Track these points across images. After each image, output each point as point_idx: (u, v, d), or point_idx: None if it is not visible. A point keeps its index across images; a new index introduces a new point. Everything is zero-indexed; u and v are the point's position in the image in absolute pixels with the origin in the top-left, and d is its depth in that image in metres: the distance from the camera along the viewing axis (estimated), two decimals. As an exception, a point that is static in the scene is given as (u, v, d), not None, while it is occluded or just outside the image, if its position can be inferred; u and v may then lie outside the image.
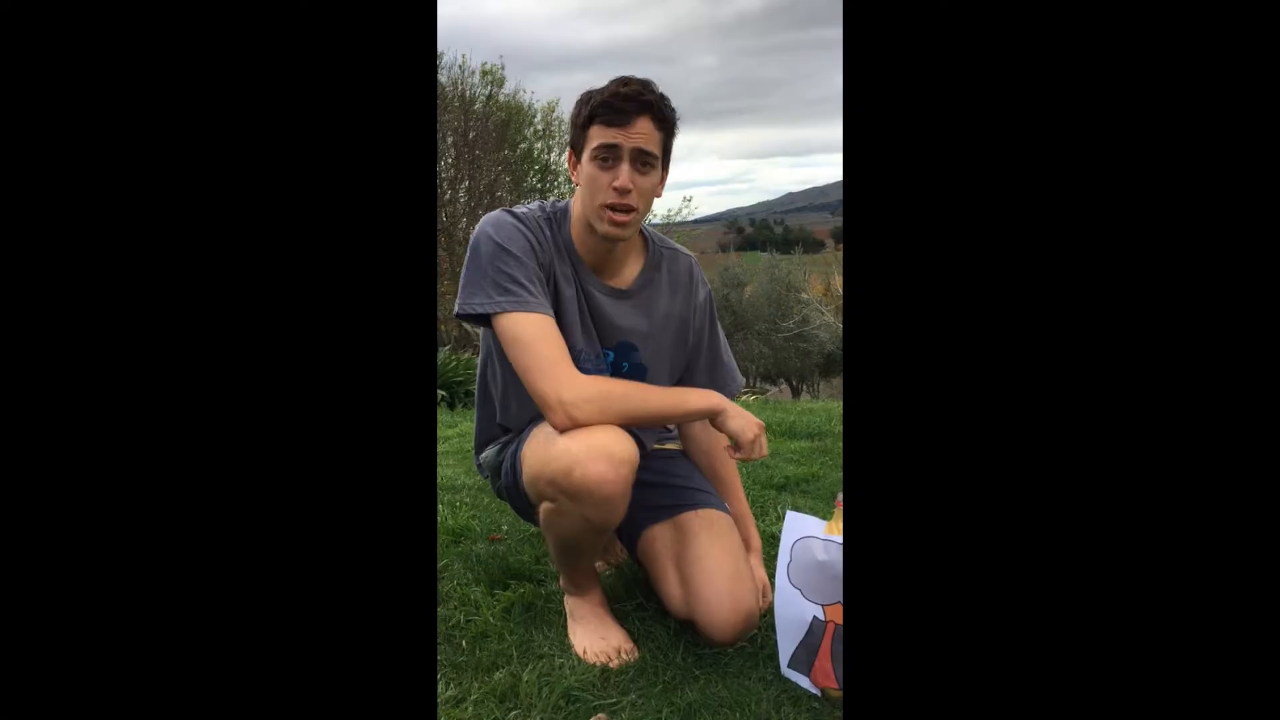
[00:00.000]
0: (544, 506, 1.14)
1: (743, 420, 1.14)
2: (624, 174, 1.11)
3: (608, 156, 1.12)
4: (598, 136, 1.12)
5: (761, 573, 1.32)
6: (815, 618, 1.09)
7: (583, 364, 1.20)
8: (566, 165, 1.22)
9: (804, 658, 1.10)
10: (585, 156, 1.14)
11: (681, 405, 1.17)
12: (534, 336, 1.10)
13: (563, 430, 1.08)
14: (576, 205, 1.20)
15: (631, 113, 1.10)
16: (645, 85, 1.13)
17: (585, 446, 1.05)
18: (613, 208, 1.12)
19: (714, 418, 1.16)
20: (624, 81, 1.12)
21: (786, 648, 1.12)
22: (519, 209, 1.20)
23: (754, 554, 1.34)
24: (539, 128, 11.85)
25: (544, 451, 1.10)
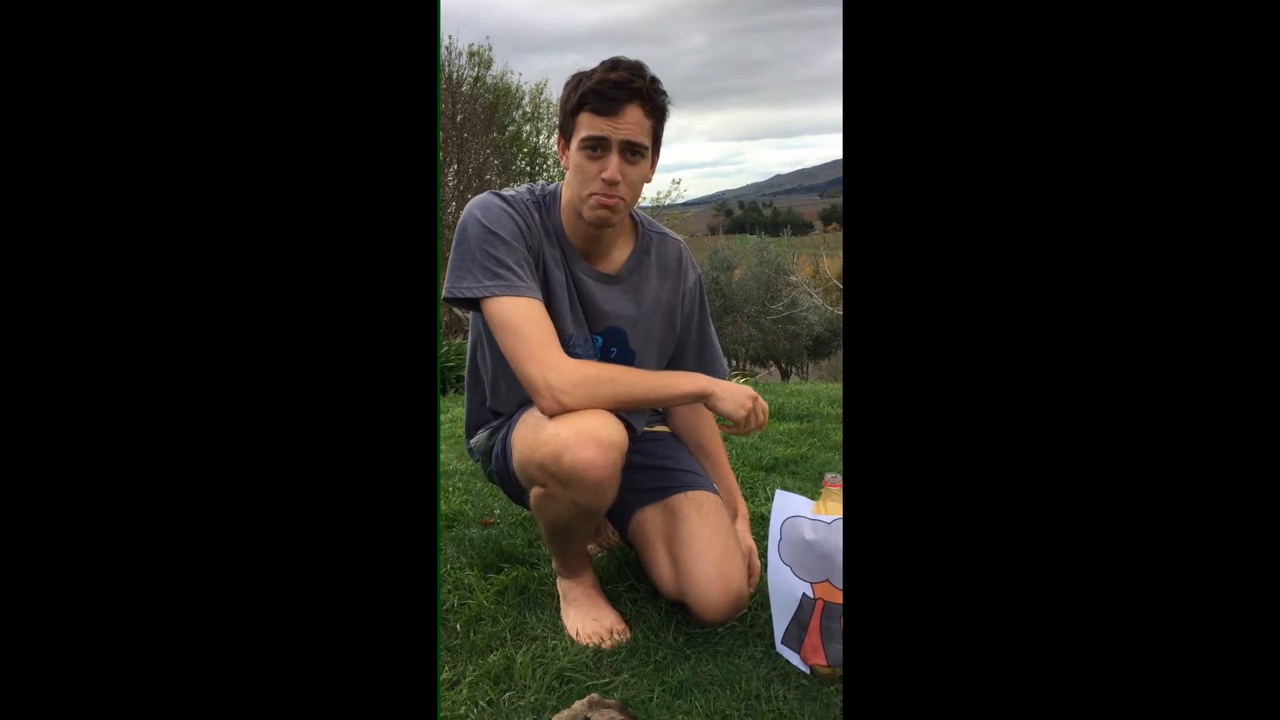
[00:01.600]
0: (534, 491, 1.14)
1: (733, 400, 1.15)
2: (613, 166, 1.11)
3: (596, 147, 1.11)
4: (586, 126, 1.10)
5: (749, 539, 1.34)
6: (805, 594, 1.10)
7: (572, 348, 1.20)
8: (556, 149, 1.21)
9: (795, 634, 1.11)
10: (574, 145, 1.13)
11: (671, 389, 1.17)
12: (522, 321, 1.10)
13: (551, 415, 1.09)
14: (566, 190, 1.19)
15: (621, 101, 1.09)
16: (635, 71, 1.11)
17: (574, 431, 1.05)
18: (600, 195, 1.12)
19: (705, 401, 1.16)
20: (613, 66, 1.10)
21: (780, 623, 1.13)
22: (507, 192, 1.20)
23: (740, 520, 1.36)
24: (527, 110, 11.74)
25: (533, 437, 1.10)
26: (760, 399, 1.17)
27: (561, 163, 1.19)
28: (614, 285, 1.25)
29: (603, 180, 1.11)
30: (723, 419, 1.19)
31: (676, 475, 1.30)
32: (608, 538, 1.53)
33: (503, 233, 1.13)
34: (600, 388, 1.09)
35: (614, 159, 1.11)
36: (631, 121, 1.10)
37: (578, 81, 1.12)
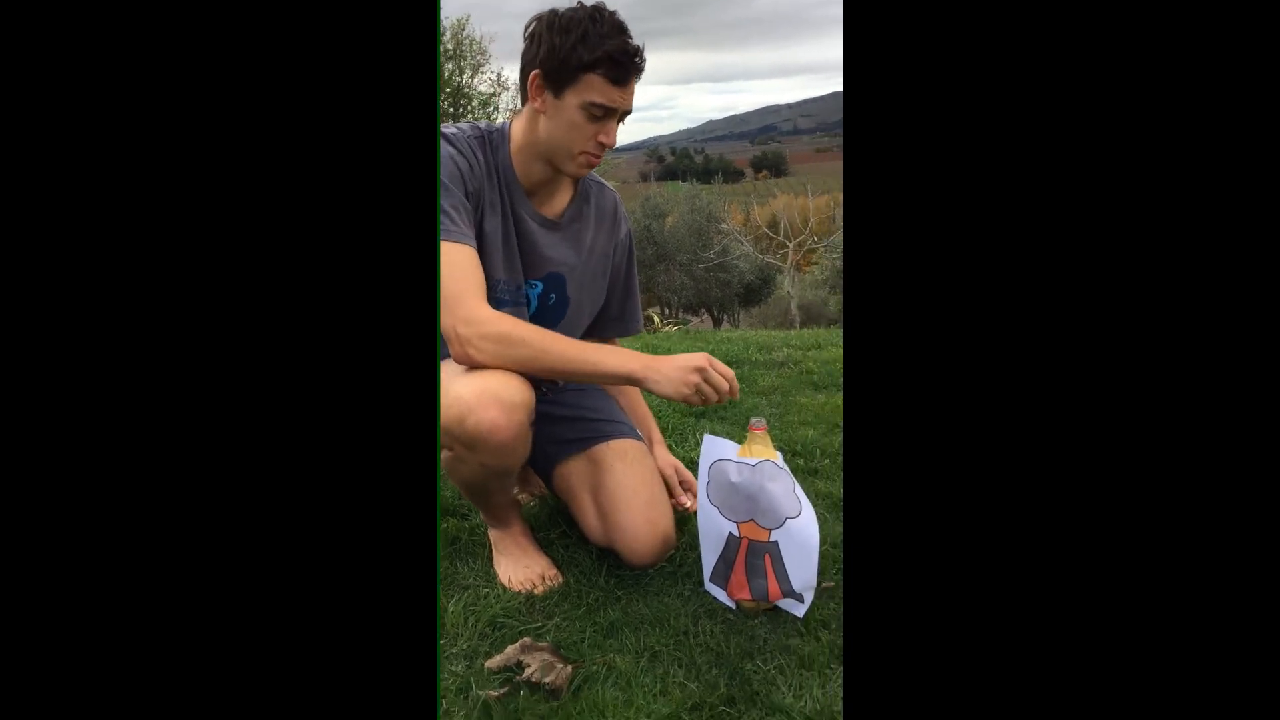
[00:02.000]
0: (444, 454, 1.13)
1: (670, 380, 1.04)
2: (613, 132, 1.14)
3: (601, 114, 1.11)
4: (598, 92, 1.09)
5: (669, 457, 1.39)
6: (731, 534, 1.14)
7: (499, 294, 1.18)
8: (529, 86, 1.13)
9: (722, 571, 1.15)
10: (571, 101, 1.10)
11: (593, 366, 1.08)
12: (446, 265, 1.07)
13: (461, 364, 1.07)
14: (528, 132, 1.16)
15: (633, 71, 1.11)
16: (637, 44, 1.10)
17: (475, 393, 1.03)
18: (592, 154, 1.15)
19: (636, 385, 1.09)
20: (620, 28, 1.09)
21: (709, 561, 1.17)
22: (449, 129, 1.16)
23: (658, 445, 1.40)
24: (449, 47, 11.20)
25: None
26: (716, 366, 1.05)
27: (535, 104, 1.13)
28: (555, 231, 1.23)
29: (599, 142, 1.13)
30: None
31: (598, 425, 1.30)
32: (539, 486, 1.53)
33: (442, 175, 1.10)
34: (512, 348, 1.06)
35: (614, 124, 1.13)
36: (633, 89, 1.13)
37: (582, 34, 1.07)
